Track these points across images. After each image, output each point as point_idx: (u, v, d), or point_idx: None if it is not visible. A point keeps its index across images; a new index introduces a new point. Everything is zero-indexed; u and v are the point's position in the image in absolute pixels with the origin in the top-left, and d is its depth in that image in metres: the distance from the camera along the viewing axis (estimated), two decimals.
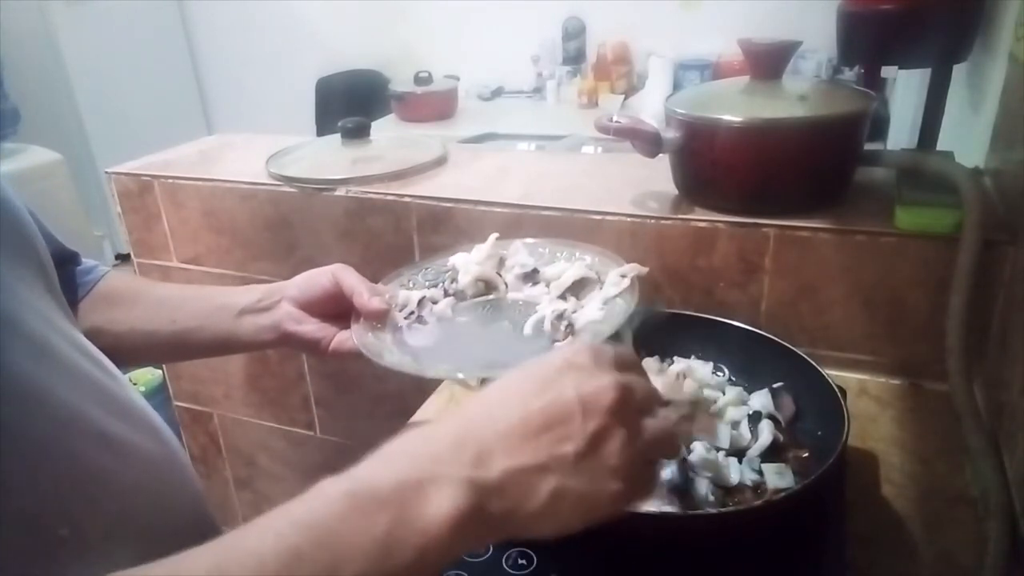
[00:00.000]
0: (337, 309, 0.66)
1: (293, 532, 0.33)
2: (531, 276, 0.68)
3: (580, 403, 0.37)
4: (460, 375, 0.58)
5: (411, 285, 0.71)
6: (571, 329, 0.61)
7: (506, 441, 0.36)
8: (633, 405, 0.39)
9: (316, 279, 0.67)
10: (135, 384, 0.72)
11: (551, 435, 0.37)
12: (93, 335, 0.65)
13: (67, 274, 0.68)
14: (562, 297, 0.66)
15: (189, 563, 0.32)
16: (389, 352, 0.62)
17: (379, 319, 0.65)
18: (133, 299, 0.71)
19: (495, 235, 0.72)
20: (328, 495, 0.35)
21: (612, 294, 0.64)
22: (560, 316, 0.62)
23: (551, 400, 0.37)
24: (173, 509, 0.55)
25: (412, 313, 0.66)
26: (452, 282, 0.69)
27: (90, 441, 0.50)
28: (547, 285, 0.67)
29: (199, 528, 0.56)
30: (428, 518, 0.34)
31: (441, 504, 0.34)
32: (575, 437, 0.37)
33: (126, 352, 0.69)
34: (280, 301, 0.67)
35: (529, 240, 0.74)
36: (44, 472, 0.47)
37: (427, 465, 0.36)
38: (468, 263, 0.69)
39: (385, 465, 0.36)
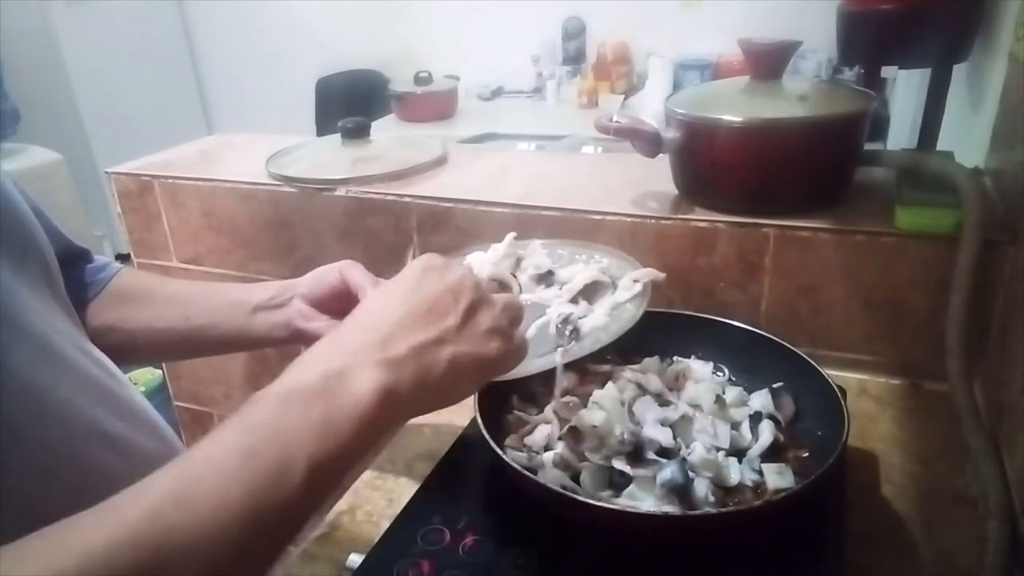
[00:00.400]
0: (345, 306, 0.65)
1: (241, 435, 0.37)
2: (546, 278, 0.67)
3: (449, 289, 0.47)
4: None
5: None
6: (576, 334, 0.61)
7: (403, 327, 0.44)
8: (483, 286, 0.49)
9: (325, 276, 0.67)
10: (135, 384, 0.72)
11: (435, 315, 0.45)
12: (106, 333, 0.66)
13: (77, 272, 0.68)
14: (574, 300, 0.65)
15: (152, 483, 0.35)
16: None
17: None
18: (146, 296, 0.70)
19: (512, 234, 0.71)
20: (263, 401, 0.39)
21: (622, 299, 0.63)
22: (566, 320, 0.62)
23: (426, 291, 0.46)
24: None
25: None
26: None
27: (93, 441, 0.51)
28: (560, 287, 0.67)
29: None
30: (356, 396, 0.40)
31: (364, 383, 0.40)
32: (453, 313, 0.46)
33: (139, 349, 0.69)
34: (292, 298, 0.67)
35: (548, 240, 0.73)
36: (48, 472, 0.47)
37: (344, 358, 0.42)
38: (483, 262, 0.68)
39: (304, 368, 0.42)
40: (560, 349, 0.61)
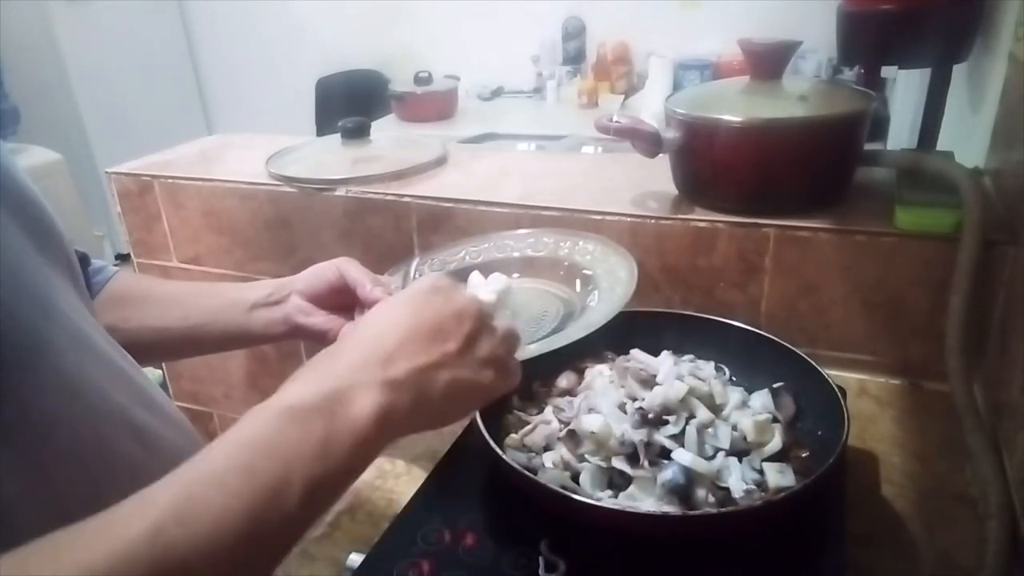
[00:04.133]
0: (343, 301, 0.68)
1: (241, 452, 0.38)
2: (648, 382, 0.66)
3: (453, 314, 0.47)
4: None
5: (416, 276, 0.71)
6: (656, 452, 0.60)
7: (404, 348, 0.44)
8: (486, 313, 0.50)
9: (322, 272, 0.69)
10: None
11: (437, 339, 0.46)
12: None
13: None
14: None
15: (154, 497, 0.35)
16: None
17: None
18: (143, 297, 0.71)
19: (503, 277, 0.69)
20: (263, 417, 0.39)
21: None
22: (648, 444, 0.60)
23: (432, 313, 0.47)
24: None
25: None
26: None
27: (121, 430, 0.51)
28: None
29: None
30: (356, 417, 0.40)
31: (364, 404, 0.41)
32: (455, 338, 0.46)
33: (139, 349, 0.69)
34: (290, 295, 0.68)
35: (533, 229, 0.73)
36: (76, 459, 0.47)
37: (344, 376, 0.42)
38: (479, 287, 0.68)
39: (305, 384, 0.42)
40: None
